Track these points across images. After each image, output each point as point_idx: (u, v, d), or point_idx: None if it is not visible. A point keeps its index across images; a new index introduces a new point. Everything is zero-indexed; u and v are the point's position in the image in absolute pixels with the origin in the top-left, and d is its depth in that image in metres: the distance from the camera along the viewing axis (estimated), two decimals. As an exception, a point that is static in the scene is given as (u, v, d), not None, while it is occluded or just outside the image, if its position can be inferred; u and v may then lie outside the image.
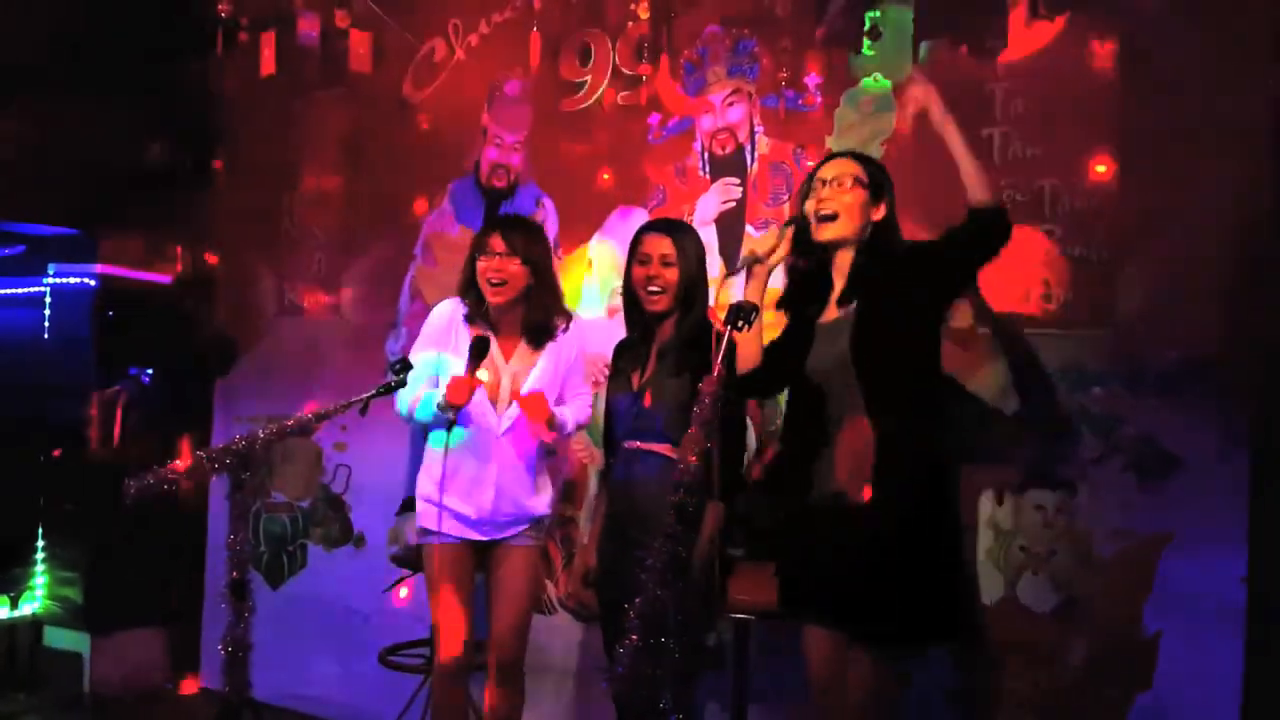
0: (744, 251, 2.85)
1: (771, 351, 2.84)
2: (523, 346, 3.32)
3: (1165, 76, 3.13)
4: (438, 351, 3.30)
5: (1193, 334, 3.05)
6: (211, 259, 5.28)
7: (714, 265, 3.80)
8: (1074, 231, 3.25)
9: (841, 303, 2.76)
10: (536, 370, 3.30)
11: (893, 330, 2.65)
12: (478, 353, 3.10)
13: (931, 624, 2.63)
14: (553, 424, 3.22)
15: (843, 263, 2.78)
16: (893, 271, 2.70)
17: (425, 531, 3.33)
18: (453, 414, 3.12)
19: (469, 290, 3.31)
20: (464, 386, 3.07)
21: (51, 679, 4.90)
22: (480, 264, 3.24)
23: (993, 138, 3.40)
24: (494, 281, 3.22)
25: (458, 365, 3.18)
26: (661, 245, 3.15)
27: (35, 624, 4.93)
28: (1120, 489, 3.12)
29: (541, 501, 3.38)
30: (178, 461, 2.95)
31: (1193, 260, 3.07)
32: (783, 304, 2.90)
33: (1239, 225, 3.01)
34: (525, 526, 3.33)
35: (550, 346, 3.33)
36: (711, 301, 3.28)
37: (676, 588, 2.16)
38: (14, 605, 4.89)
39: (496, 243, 3.22)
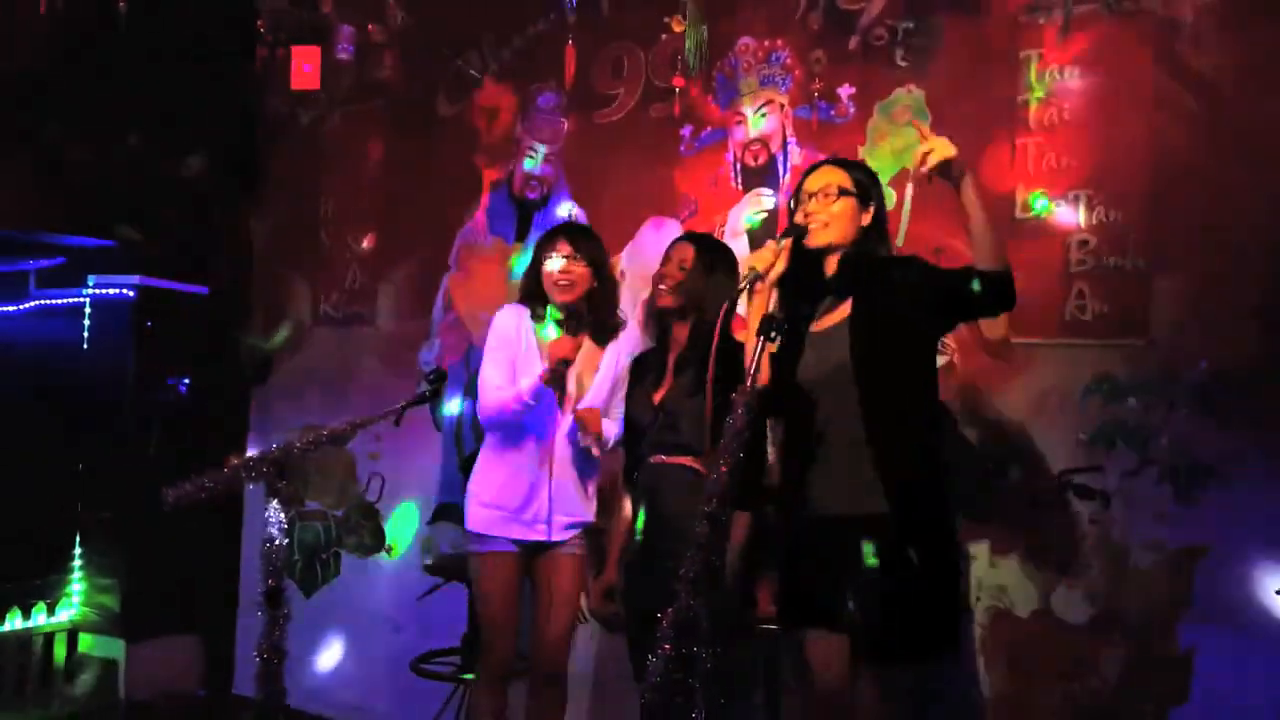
0: (743, 269, 2.74)
1: (774, 365, 2.73)
2: (586, 346, 3.38)
3: (1201, 87, 3.13)
4: (509, 356, 3.37)
5: (1228, 344, 3.04)
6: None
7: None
8: (1108, 241, 3.24)
9: (833, 308, 2.72)
10: (601, 371, 3.39)
11: (890, 338, 2.60)
12: (574, 321, 3.23)
13: (934, 637, 2.58)
14: (600, 440, 3.28)
15: (833, 269, 2.75)
16: (887, 277, 2.66)
17: (478, 536, 3.36)
18: (563, 369, 3.19)
19: (534, 295, 3.39)
20: (569, 342, 3.21)
21: (87, 686, 4.94)
22: (546, 266, 3.33)
23: (1027, 147, 3.39)
24: (560, 283, 3.32)
25: (533, 364, 3.30)
26: (684, 251, 3.22)
27: (71, 631, 4.98)
28: (1156, 501, 3.11)
29: (591, 507, 3.44)
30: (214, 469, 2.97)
31: (1228, 270, 3.06)
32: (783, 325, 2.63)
33: (1276, 234, 3.00)
34: (577, 531, 3.39)
35: (611, 346, 3.43)
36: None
37: (709, 597, 2.16)
38: (50, 612, 4.94)
39: (563, 246, 3.34)
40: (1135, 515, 3.13)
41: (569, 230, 3.45)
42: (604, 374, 3.39)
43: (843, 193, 2.71)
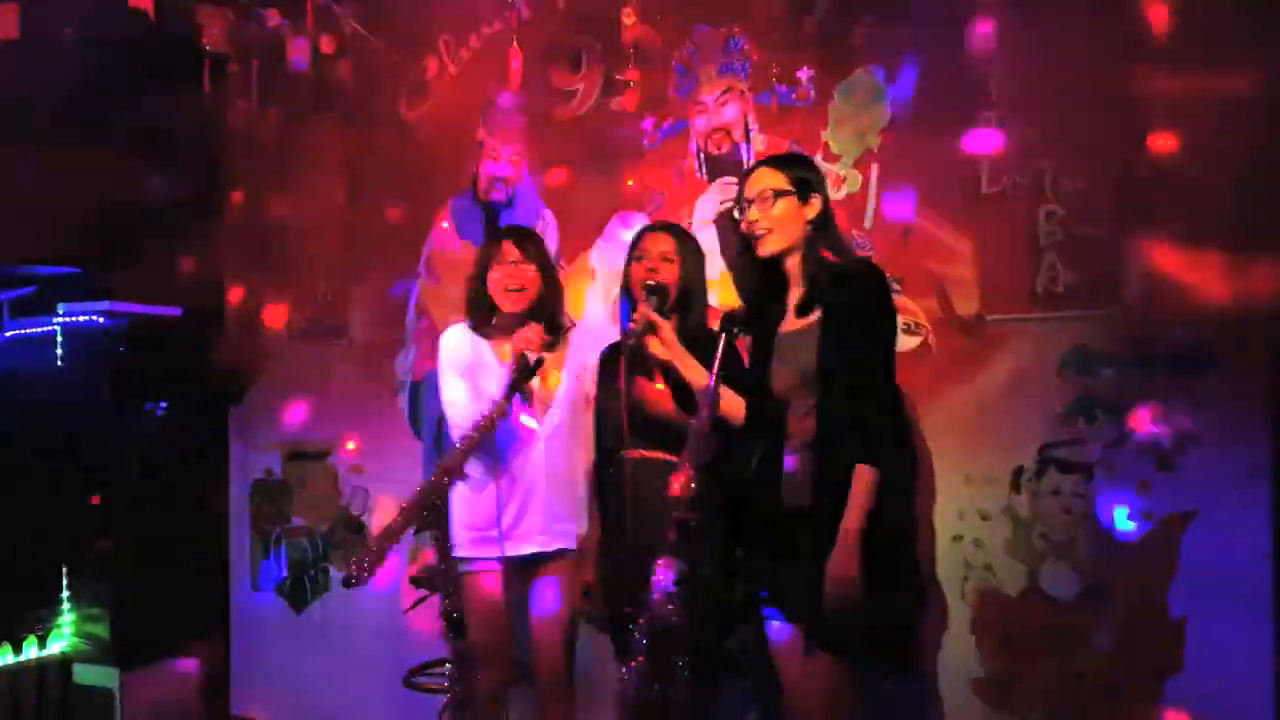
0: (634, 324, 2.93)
1: (752, 372, 2.82)
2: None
3: (1167, 46, 3.09)
4: (468, 372, 3.30)
5: (1202, 309, 3.00)
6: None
7: (715, 266, 3.78)
8: (1077, 211, 3.21)
9: (801, 313, 2.75)
10: (565, 373, 3.32)
11: (853, 347, 2.60)
12: (524, 373, 3.05)
13: (888, 648, 2.63)
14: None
15: (792, 268, 2.79)
16: (846, 289, 2.66)
17: (463, 559, 3.29)
18: (524, 371, 3.04)
19: (479, 304, 3.32)
20: (540, 336, 3.13)
21: (83, 716, 4.91)
22: (494, 274, 3.27)
23: (989, 119, 3.36)
24: (512, 288, 3.25)
25: (491, 380, 3.22)
26: (661, 243, 3.16)
27: (64, 662, 4.94)
28: (1139, 470, 3.10)
29: (578, 519, 3.36)
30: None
31: (1201, 233, 3.02)
32: (746, 321, 2.84)
33: (1248, 196, 2.96)
34: (564, 538, 3.31)
35: (571, 346, 3.37)
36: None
37: (685, 603, 2.13)
38: (42, 644, 4.91)
39: (510, 250, 3.27)
40: (1119, 486, 3.11)
41: (514, 233, 3.38)
42: (569, 373, 3.33)
43: (778, 194, 2.74)
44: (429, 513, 2.71)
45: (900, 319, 3.30)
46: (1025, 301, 3.27)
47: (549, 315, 3.33)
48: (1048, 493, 3.19)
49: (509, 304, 3.27)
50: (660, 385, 3.04)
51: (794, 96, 3.72)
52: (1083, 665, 3.12)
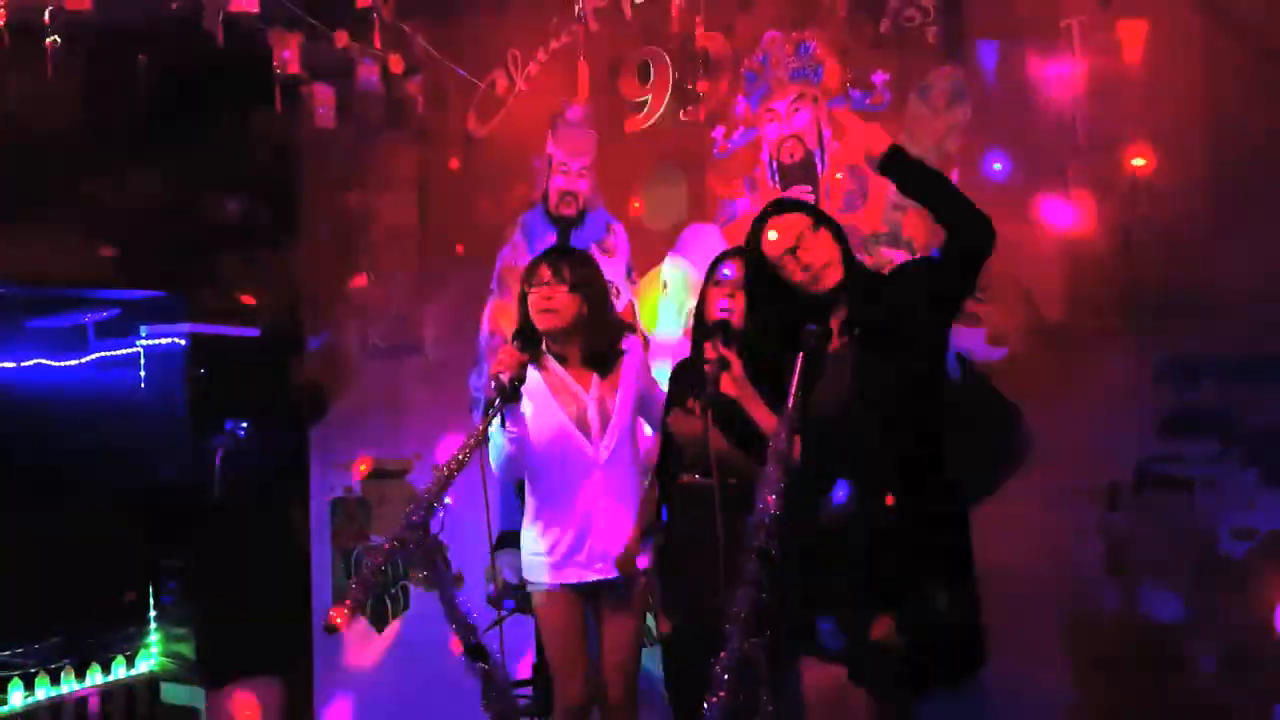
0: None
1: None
2: (595, 379, 3.29)
3: (1252, 36, 2.95)
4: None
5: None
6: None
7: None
8: (1170, 211, 3.08)
9: (845, 331, 2.60)
10: (619, 397, 3.27)
11: (893, 356, 2.45)
12: (502, 397, 2.96)
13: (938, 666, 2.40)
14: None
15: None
16: (881, 299, 2.53)
17: (530, 582, 3.31)
18: (501, 393, 2.93)
19: (526, 333, 3.28)
20: (513, 357, 3.00)
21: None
22: (531, 296, 3.23)
23: (1075, 119, 3.24)
24: (543, 309, 3.20)
25: (547, 407, 3.21)
26: (740, 268, 3.06)
27: (152, 682, 5.01)
28: (1243, 486, 2.97)
29: (644, 535, 3.31)
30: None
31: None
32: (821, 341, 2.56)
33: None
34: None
35: (624, 370, 3.30)
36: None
37: (765, 638, 2.05)
38: (130, 664, 4.98)
39: (544, 272, 3.22)
40: (1222, 501, 2.99)
41: (549, 256, 3.30)
42: (623, 403, 3.27)
43: (817, 225, 2.58)
44: (412, 547, 2.67)
45: (984, 329, 3.20)
46: (1116, 307, 3.14)
47: (589, 340, 3.26)
48: (1146, 509, 3.06)
49: (541, 324, 3.22)
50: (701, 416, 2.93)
51: (869, 101, 3.62)
52: (1184, 690, 3.00)
